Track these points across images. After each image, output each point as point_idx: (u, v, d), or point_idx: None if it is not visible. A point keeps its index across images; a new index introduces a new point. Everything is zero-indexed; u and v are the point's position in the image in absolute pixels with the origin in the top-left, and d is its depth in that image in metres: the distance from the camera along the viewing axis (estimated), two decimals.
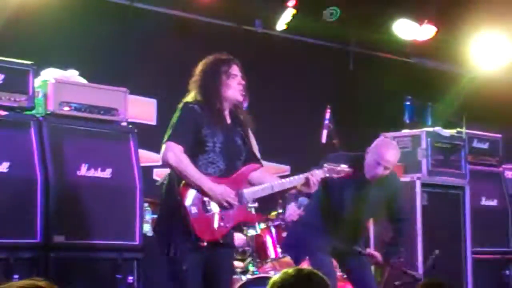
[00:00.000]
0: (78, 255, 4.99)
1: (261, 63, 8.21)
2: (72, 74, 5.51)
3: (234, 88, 4.35)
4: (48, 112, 5.12)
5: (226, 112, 4.38)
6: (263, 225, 5.95)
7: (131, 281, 5.15)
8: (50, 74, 5.34)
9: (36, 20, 6.53)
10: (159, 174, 6.71)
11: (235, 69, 4.40)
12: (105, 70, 6.52)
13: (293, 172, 7.72)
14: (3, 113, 4.89)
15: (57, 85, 5.18)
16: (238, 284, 5.55)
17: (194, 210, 4.14)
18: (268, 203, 6.33)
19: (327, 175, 4.51)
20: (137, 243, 5.17)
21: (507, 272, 7.10)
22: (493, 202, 7.25)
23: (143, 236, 5.29)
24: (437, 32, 8.54)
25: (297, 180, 4.46)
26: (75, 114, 5.23)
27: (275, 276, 2.50)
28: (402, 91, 9.60)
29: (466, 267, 6.73)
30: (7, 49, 5.57)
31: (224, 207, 4.20)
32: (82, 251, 4.99)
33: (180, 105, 4.36)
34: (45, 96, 5.15)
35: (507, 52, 8.74)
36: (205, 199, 4.18)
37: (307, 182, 4.41)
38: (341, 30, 8.55)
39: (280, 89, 8.38)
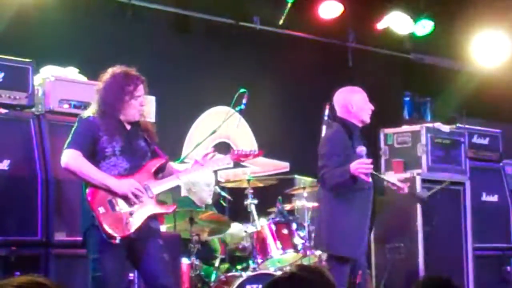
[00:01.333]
0: (79, 252, 4.97)
1: (259, 59, 8.20)
2: (72, 72, 5.51)
3: (135, 108, 4.45)
4: (48, 110, 5.12)
5: (125, 121, 4.46)
6: (263, 222, 5.95)
7: (131, 278, 5.15)
8: (49, 72, 5.33)
9: (36, 18, 6.52)
10: None
11: (140, 90, 4.47)
12: (104, 68, 6.49)
13: (292, 169, 7.75)
14: (3, 110, 4.89)
15: (56, 82, 5.18)
16: (239, 281, 5.54)
17: (102, 210, 4.24)
18: (268, 199, 6.36)
19: (234, 160, 4.75)
20: None
21: (508, 268, 7.09)
22: (494, 198, 7.24)
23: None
24: (436, 27, 8.53)
25: (199, 169, 4.60)
26: (75, 112, 5.21)
27: (278, 274, 2.46)
28: (402, 87, 9.60)
29: (467, 263, 6.72)
30: (6, 47, 5.57)
31: (132, 201, 4.29)
32: (83, 248, 4.98)
33: (77, 118, 4.45)
34: (45, 93, 5.15)
35: (507, 48, 8.74)
36: (111, 198, 4.28)
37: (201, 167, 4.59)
38: (339, 26, 8.54)
39: (278, 86, 8.37)
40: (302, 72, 8.63)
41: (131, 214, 4.30)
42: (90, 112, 4.44)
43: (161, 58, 7.50)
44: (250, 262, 5.85)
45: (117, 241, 4.22)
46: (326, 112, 6.25)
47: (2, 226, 4.68)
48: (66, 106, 5.19)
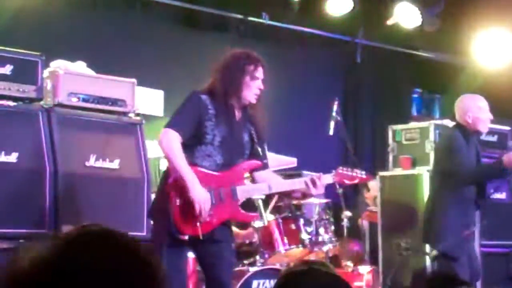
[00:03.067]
0: None
1: (268, 55, 8.17)
2: (80, 66, 5.52)
3: (252, 90, 4.25)
4: (57, 103, 5.12)
5: (237, 108, 4.29)
6: (270, 217, 5.95)
7: None
8: (58, 65, 5.34)
9: (45, 11, 6.54)
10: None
11: (260, 72, 4.29)
12: (112, 62, 6.52)
13: (300, 164, 7.74)
14: (12, 103, 4.90)
15: (65, 76, 5.18)
16: (245, 276, 5.55)
17: (179, 201, 4.06)
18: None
19: (336, 180, 4.45)
20: (144, 234, 5.17)
21: None
22: (502, 195, 7.22)
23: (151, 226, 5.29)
24: (445, 24, 8.51)
25: (298, 183, 4.42)
26: (83, 105, 5.23)
27: (284, 268, 2.45)
28: (410, 83, 9.59)
29: None
30: (16, 40, 5.59)
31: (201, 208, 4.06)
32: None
33: (190, 92, 4.31)
34: (54, 87, 5.15)
35: None
36: None
37: (307, 186, 4.30)
38: (348, 22, 8.54)
39: (287, 82, 8.37)
40: (310, 68, 8.63)
41: (209, 214, 4.08)
42: (204, 89, 4.26)
43: (170, 52, 7.51)
44: (257, 257, 5.86)
45: (186, 237, 4.05)
46: (335, 108, 6.24)
47: (9, 219, 4.69)
48: (75, 99, 5.19)
